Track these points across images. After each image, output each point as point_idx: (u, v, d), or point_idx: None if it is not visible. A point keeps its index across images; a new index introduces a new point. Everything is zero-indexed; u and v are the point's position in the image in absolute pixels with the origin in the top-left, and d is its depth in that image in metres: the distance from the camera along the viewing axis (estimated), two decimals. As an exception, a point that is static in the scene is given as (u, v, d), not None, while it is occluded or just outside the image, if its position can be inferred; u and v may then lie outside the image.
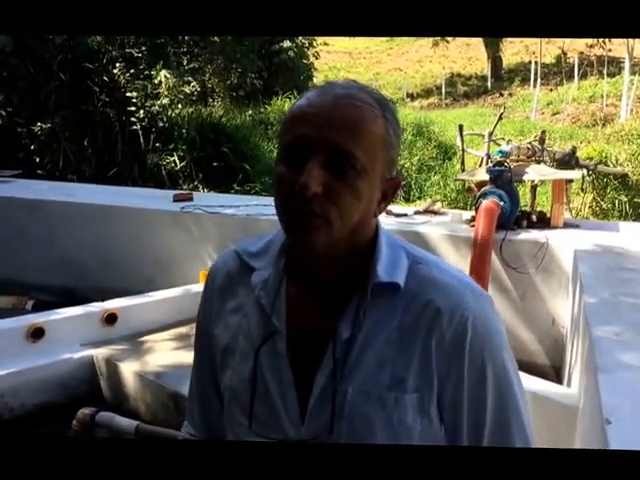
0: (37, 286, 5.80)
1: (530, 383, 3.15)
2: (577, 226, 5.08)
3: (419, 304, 0.91)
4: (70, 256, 5.84)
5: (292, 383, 0.93)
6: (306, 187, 0.83)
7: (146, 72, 10.45)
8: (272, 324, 0.95)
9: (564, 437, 2.70)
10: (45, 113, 9.58)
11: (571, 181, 5.96)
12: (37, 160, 9.66)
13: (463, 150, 7.37)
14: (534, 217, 4.95)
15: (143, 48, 10.45)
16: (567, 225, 5.02)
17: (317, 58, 21.31)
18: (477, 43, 28.64)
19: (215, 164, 10.50)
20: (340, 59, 33.77)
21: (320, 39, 20.83)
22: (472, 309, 0.91)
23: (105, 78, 10.09)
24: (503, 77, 26.55)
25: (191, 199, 6.09)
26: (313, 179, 0.83)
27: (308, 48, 20.16)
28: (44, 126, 9.48)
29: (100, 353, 3.92)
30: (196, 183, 10.19)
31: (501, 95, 23.57)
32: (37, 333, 3.84)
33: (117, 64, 10.29)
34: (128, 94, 10.10)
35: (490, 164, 5.02)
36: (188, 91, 11.21)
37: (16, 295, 5.59)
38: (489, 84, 25.68)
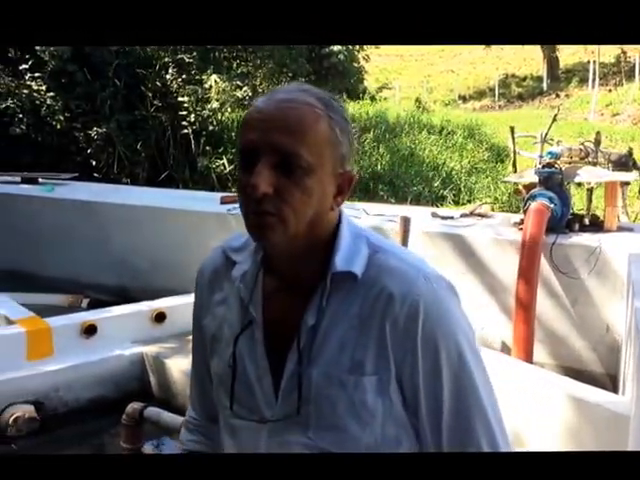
0: (92, 285, 5.99)
1: (579, 390, 3.07)
2: (631, 229, 4.92)
3: (375, 291, 0.96)
4: (123, 256, 6.01)
5: (267, 368, 1.00)
6: (256, 188, 0.89)
7: (197, 77, 10.65)
8: (250, 313, 1.02)
9: (616, 446, 2.63)
10: (101, 118, 9.87)
11: (628, 183, 5.77)
12: (93, 163, 9.97)
13: (514, 152, 7.22)
14: (587, 220, 4.81)
15: (194, 53, 10.65)
16: (621, 229, 4.86)
17: (367, 61, 21.27)
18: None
19: (264, 167, 10.58)
20: (391, 62, 33.63)
21: (371, 42, 20.76)
22: (424, 294, 0.95)
23: (158, 83, 10.34)
24: (560, 78, 25.91)
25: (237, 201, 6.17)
26: (262, 180, 0.89)
27: (358, 51, 20.15)
28: (100, 130, 9.77)
29: (149, 351, 4.02)
30: (245, 186, 10.29)
31: (557, 96, 23.00)
32: (90, 330, 3.97)
33: (169, 69, 10.52)
34: (180, 99, 10.31)
35: (539, 166, 4.92)
36: (240, 95, 11.36)
37: (72, 294, 5.79)
38: (545, 85, 25.10)
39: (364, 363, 0.94)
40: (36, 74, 9.67)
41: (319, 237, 0.98)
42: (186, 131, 10.29)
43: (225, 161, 10.43)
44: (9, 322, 4.03)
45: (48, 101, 9.63)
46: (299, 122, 0.91)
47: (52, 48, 9.23)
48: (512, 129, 6.82)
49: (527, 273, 4.19)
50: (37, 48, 9.38)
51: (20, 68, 9.65)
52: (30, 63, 9.60)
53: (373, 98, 19.07)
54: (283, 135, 0.90)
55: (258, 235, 0.94)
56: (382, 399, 0.95)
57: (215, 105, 10.41)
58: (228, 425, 1.07)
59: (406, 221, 4.37)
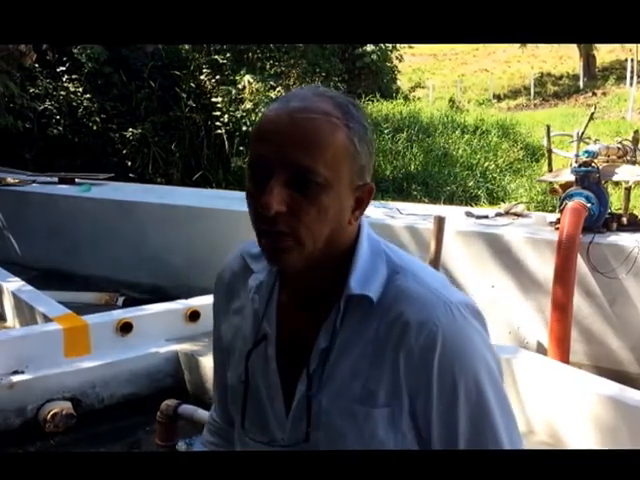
0: (128, 283, 6.08)
1: (616, 391, 3.01)
2: (672, 229, 4.79)
3: (391, 317, 0.89)
4: (159, 255, 6.08)
5: (279, 388, 0.95)
6: (268, 206, 0.83)
7: (231, 78, 10.74)
8: (263, 328, 0.97)
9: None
10: (136, 119, 10.03)
11: (667, 182, 5.63)
12: (128, 164, 10.13)
13: (550, 151, 7.11)
14: (624, 220, 4.71)
15: (228, 55, 10.74)
16: (661, 228, 4.74)
17: (401, 61, 21.16)
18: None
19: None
20: (424, 61, 33.41)
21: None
22: (443, 323, 0.87)
23: (192, 84, 10.46)
24: (597, 76, 25.42)
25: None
26: (274, 198, 0.83)
27: (391, 51, 20.07)
28: (135, 132, 9.93)
29: (184, 348, 4.06)
30: (278, 186, 10.34)
31: (594, 94, 22.56)
32: (126, 328, 4.03)
33: (203, 71, 10.63)
34: (213, 99, 10.41)
35: (575, 165, 4.83)
36: (273, 95, 11.42)
37: (108, 292, 5.89)
38: (581, 83, 24.66)
39: (376, 394, 0.88)
40: (73, 76, 9.88)
41: (336, 254, 0.92)
42: (220, 131, 10.38)
43: (258, 161, 10.48)
44: (47, 320, 4.11)
45: (85, 103, 9.83)
46: (315, 135, 0.84)
47: (89, 50, 9.41)
48: (548, 128, 6.71)
49: (564, 273, 4.12)
50: (74, 50, 9.58)
51: (58, 70, 9.86)
52: (67, 65, 9.81)
53: (406, 98, 18.95)
54: (298, 150, 0.83)
55: (273, 258, 0.88)
56: (394, 433, 0.89)
57: (249, 105, 10.48)
58: (240, 440, 1.03)
59: (441, 220, 4.34)
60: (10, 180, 7.21)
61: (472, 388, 0.87)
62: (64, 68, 9.81)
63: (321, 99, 0.87)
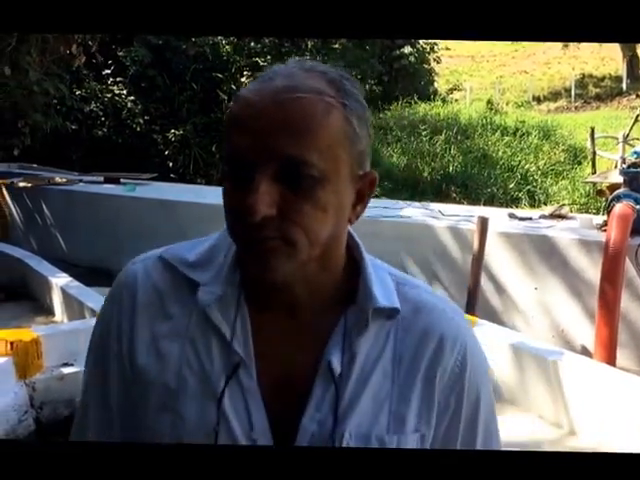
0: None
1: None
2: None
3: (417, 331, 0.79)
4: (199, 254, 6.17)
5: (267, 429, 0.76)
6: (254, 210, 0.67)
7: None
8: (235, 354, 0.76)
9: None
10: (178, 121, 10.21)
11: None
12: (170, 165, 10.31)
13: (594, 153, 7.01)
14: (675, 222, 4.61)
15: (268, 57, 10.85)
16: None
17: (438, 62, 21.08)
18: (612, 43, 27.03)
19: (335, 168, 10.68)
20: (462, 63, 33.15)
21: (442, 43, 20.63)
22: (468, 337, 0.82)
23: (233, 86, 10.59)
24: (640, 77, 24.88)
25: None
26: (262, 200, 0.67)
27: (429, 53, 20.01)
28: (177, 133, 10.10)
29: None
30: (317, 187, 10.42)
31: (638, 96, 22.07)
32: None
33: (244, 73, 10.76)
34: (254, 101, 10.53)
35: (624, 166, 4.75)
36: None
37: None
38: (624, 85, 24.15)
39: (406, 419, 0.77)
40: (118, 79, 10.10)
41: (335, 260, 0.78)
42: (259, 133, 10.49)
43: (297, 162, 10.58)
44: (95, 314, 4.22)
45: (129, 105, 10.04)
46: (306, 119, 0.69)
47: (133, 53, 9.62)
48: (592, 130, 6.62)
49: (611, 275, 4.05)
50: (119, 53, 9.80)
51: (103, 73, 10.10)
52: (112, 68, 10.04)
53: (444, 100, 18.86)
54: (286, 138, 0.68)
55: (261, 268, 0.71)
56: None
57: (288, 107, 10.58)
58: None
59: (484, 221, 4.32)
60: (58, 180, 7.40)
61: (489, 402, 0.84)
62: (109, 71, 10.04)
63: (310, 75, 0.72)
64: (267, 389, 0.76)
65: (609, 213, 4.43)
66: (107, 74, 10.07)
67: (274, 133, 0.68)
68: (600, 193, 4.91)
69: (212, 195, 7.01)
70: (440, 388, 0.79)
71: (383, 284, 0.79)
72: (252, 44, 10.91)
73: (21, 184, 7.37)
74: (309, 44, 11.92)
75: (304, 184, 0.69)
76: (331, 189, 0.70)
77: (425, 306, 0.80)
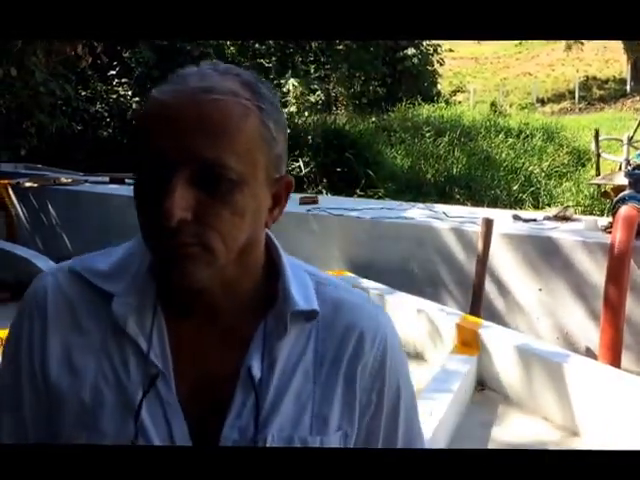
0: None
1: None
2: None
3: (338, 330, 0.79)
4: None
5: (188, 439, 0.75)
6: (170, 214, 0.65)
7: (275, 81, 10.88)
8: (152, 366, 0.75)
9: None
10: (183, 122, 10.26)
11: None
12: (175, 165, 10.36)
13: (598, 155, 7.01)
14: (679, 224, 4.61)
15: (273, 58, 10.88)
16: None
17: (442, 64, 21.12)
18: (615, 45, 27.03)
19: (339, 169, 10.70)
20: (465, 65, 33.17)
21: (445, 45, 20.65)
22: (388, 332, 0.82)
23: (238, 88, 10.62)
24: (644, 79, 24.84)
25: (316, 202, 6.25)
26: (176, 203, 0.66)
27: (433, 54, 20.05)
28: (182, 134, 10.15)
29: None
30: (320, 188, 10.44)
31: (641, 98, 22.07)
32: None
33: (249, 74, 10.79)
34: (259, 102, 10.56)
35: (629, 168, 4.75)
36: (313, 100, 11.52)
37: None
38: (628, 87, 24.14)
39: (328, 419, 0.77)
40: (123, 80, 10.13)
41: (254, 263, 0.77)
42: (264, 134, 10.52)
43: (301, 163, 10.59)
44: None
45: (134, 105, 10.07)
46: (224, 121, 0.68)
47: (138, 55, 9.66)
48: (597, 132, 6.63)
49: (616, 277, 4.06)
50: (124, 55, 9.83)
51: (109, 74, 10.13)
52: (118, 69, 10.07)
53: (447, 101, 18.88)
54: (204, 139, 0.67)
55: (177, 275, 0.69)
56: None
57: (293, 109, 10.59)
58: None
59: (489, 223, 4.32)
60: (63, 180, 7.43)
61: (409, 392, 0.85)
62: (114, 72, 10.07)
63: (225, 77, 0.71)
64: (187, 399, 0.75)
65: (614, 215, 4.43)
66: (112, 75, 10.10)
67: (191, 135, 0.66)
68: (605, 195, 4.92)
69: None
70: (361, 384, 0.79)
71: (302, 285, 0.79)
72: (256, 45, 10.94)
73: (27, 184, 7.40)
74: (313, 45, 11.94)
75: (221, 187, 0.68)
76: (249, 193, 0.70)
77: (344, 305, 0.80)
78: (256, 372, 0.75)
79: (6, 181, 6.79)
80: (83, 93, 9.53)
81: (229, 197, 0.68)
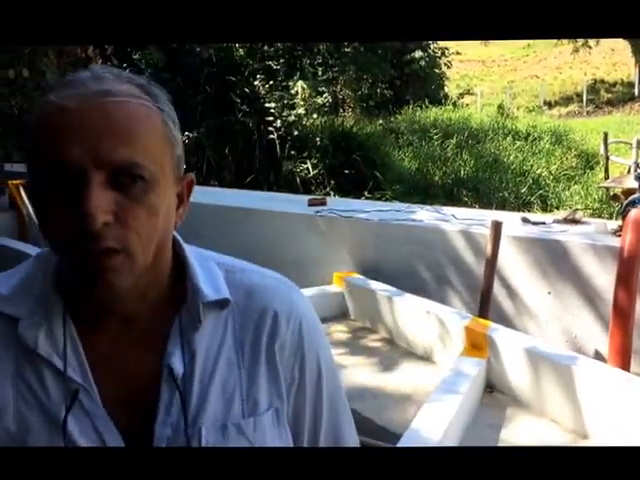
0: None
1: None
2: None
3: (253, 313, 0.81)
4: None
5: (121, 443, 0.75)
6: (92, 219, 0.64)
7: (284, 83, 10.91)
8: (71, 382, 0.74)
9: None
10: (192, 123, 10.28)
11: None
12: (184, 167, 10.40)
13: (607, 158, 6.99)
14: (689, 228, 4.60)
15: (281, 60, 10.91)
16: None
17: (449, 67, 21.11)
18: (623, 48, 26.95)
19: (346, 172, 10.72)
20: (473, 67, 33.13)
21: (453, 48, 20.64)
22: (302, 308, 0.85)
23: (246, 90, 10.66)
24: (652, 82, 24.75)
25: (325, 204, 6.27)
26: (99, 207, 0.65)
27: (440, 57, 20.05)
28: (190, 135, 10.17)
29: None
30: (328, 190, 10.45)
31: (649, 102, 22.00)
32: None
33: (257, 76, 10.83)
34: (266, 104, 10.59)
35: (639, 171, 4.74)
36: (321, 102, 11.54)
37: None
38: (636, 91, 24.07)
39: (258, 400, 0.79)
40: (132, 81, 10.19)
41: (165, 263, 0.77)
42: (272, 136, 10.55)
43: (309, 165, 10.61)
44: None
45: (143, 106, 10.12)
46: (131, 122, 0.68)
47: (148, 57, 9.71)
48: (605, 135, 6.61)
49: (626, 281, 4.05)
50: (134, 57, 9.88)
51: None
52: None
53: (455, 104, 18.86)
54: (115, 142, 0.67)
55: (98, 282, 0.68)
56: (279, 431, 0.81)
57: (301, 111, 10.63)
58: None
59: (498, 225, 4.32)
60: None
61: (330, 370, 0.87)
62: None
63: (120, 80, 0.71)
64: (114, 406, 0.75)
65: (624, 218, 4.42)
66: (122, 76, 10.16)
67: (101, 138, 0.66)
68: (615, 198, 4.91)
69: (227, 197, 7.06)
70: (283, 363, 0.81)
71: (210, 276, 0.80)
72: (265, 47, 10.98)
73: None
74: (321, 48, 11.97)
75: (136, 188, 0.68)
76: (160, 192, 0.70)
77: (256, 289, 0.82)
78: (178, 368, 0.75)
79: (18, 181, 6.84)
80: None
81: (144, 197, 0.69)
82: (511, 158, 12.19)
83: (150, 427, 0.75)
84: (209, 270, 0.81)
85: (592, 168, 11.98)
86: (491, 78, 31.56)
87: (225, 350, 0.79)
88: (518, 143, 12.97)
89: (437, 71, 20.04)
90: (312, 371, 0.84)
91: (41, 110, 0.69)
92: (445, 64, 20.40)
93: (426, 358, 4.22)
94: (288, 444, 0.82)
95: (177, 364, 0.75)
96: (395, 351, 4.40)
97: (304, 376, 0.83)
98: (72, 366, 0.74)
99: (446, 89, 21.80)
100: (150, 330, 0.77)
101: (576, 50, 26.97)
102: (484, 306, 4.35)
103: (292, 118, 10.66)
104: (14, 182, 7.00)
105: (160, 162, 0.71)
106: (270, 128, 10.52)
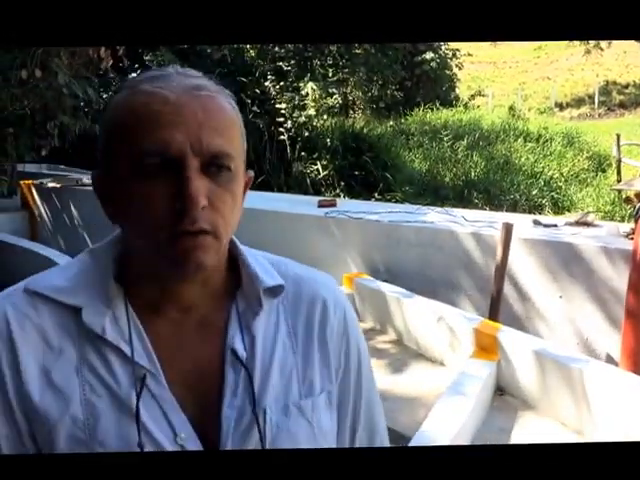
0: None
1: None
2: None
3: (304, 302, 0.85)
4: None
5: (191, 430, 0.76)
6: (196, 201, 0.69)
7: (294, 84, 10.91)
8: (139, 367, 0.75)
9: None
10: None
11: None
12: (193, 168, 10.43)
13: (619, 160, 6.96)
14: (702, 231, 4.56)
15: (292, 61, 10.92)
16: None
17: (460, 69, 21.06)
18: (636, 50, 26.78)
19: (357, 173, 10.71)
20: (484, 69, 33.03)
21: (464, 49, 20.59)
22: (343, 300, 0.90)
23: (257, 90, 10.67)
24: (665, 84, 24.58)
25: (335, 205, 6.27)
26: (199, 190, 0.70)
27: (451, 59, 20.01)
28: (201, 136, 10.21)
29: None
30: (338, 191, 10.45)
31: (662, 104, 21.83)
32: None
33: (268, 77, 10.84)
34: (277, 105, 10.60)
35: (652, 174, 4.71)
36: (331, 103, 11.54)
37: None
38: (649, 92, 23.89)
39: (313, 381, 0.83)
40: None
41: (225, 252, 0.80)
42: (283, 137, 10.55)
43: (319, 166, 10.61)
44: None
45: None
46: (223, 115, 0.74)
47: (160, 58, 9.74)
48: (618, 137, 6.58)
49: (638, 284, 4.01)
50: (146, 58, 9.92)
51: (130, 77, 10.24)
52: (139, 72, 10.17)
53: (466, 106, 18.82)
54: (212, 133, 0.71)
55: (189, 261, 0.71)
56: (331, 414, 0.85)
57: (311, 112, 10.63)
58: None
59: (509, 227, 4.31)
60: (86, 181, 7.51)
61: (367, 358, 0.91)
62: (135, 74, 10.18)
63: (202, 77, 0.76)
64: (181, 391, 0.77)
65: (637, 221, 4.39)
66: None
67: (201, 128, 0.71)
68: (627, 201, 4.87)
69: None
70: (332, 346, 0.85)
71: (262, 266, 0.84)
72: (276, 49, 10.99)
73: (50, 184, 7.49)
74: (332, 49, 11.97)
75: (222, 177, 0.72)
76: (240, 182, 0.76)
77: (303, 278, 0.87)
78: (241, 351, 0.79)
79: (30, 181, 6.89)
80: (105, 95, 9.63)
81: (230, 185, 0.74)
82: (522, 160, 12.14)
83: (215, 409, 0.77)
84: (259, 261, 0.85)
85: (604, 170, 11.91)
86: (502, 79, 31.43)
87: (280, 335, 0.83)
88: (529, 145, 12.91)
89: (448, 72, 20.00)
90: (354, 357, 0.88)
91: (135, 98, 0.72)
92: (456, 65, 20.36)
93: (436, 360, 4.21)
94: (334, 428, 0.86)
95: (239, 348, 0.79)
96: (404, 353, 4.39)
97: (349, 361, 0.87)
98: (138, 351, 0.76)
99: (457, 90, 21.75)
100: (208, 317, 0.80)
101: (588, 52, 26.79)
102: (494, 308, 4.34)
103: (302, 119, 10.66)
104: (26, 182, 7.05)
105: (241, 154, 0.77)
106: (281, 129, 10.53)
